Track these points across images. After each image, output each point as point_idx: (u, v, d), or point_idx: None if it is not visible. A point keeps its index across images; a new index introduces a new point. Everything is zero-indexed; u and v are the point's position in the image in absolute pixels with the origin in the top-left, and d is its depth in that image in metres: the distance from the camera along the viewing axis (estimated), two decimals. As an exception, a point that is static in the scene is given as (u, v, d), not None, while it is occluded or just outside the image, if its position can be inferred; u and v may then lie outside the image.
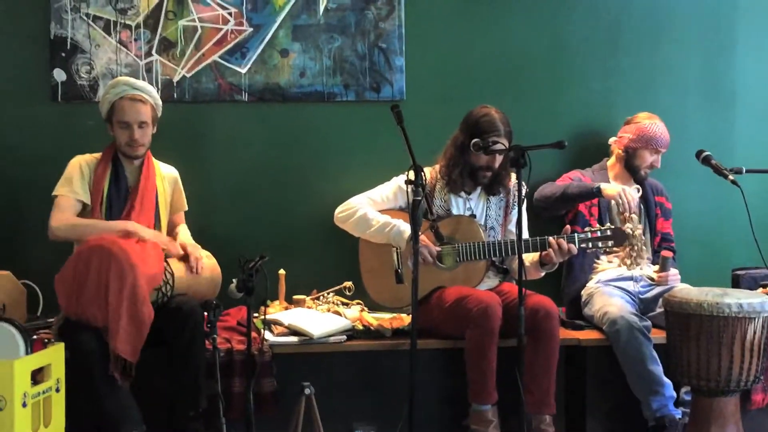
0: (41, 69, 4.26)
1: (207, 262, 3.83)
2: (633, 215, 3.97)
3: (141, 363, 3.42)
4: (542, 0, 4.53)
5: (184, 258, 3.77)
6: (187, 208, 4.05)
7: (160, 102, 3.87)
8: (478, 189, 4.08)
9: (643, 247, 3.91)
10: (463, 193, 4.06)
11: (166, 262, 3.66)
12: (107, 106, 3.77)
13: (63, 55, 4.26)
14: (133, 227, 3.64)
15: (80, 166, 3.77)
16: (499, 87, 4.47)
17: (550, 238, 3.77)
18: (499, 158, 3.94)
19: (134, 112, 3.74)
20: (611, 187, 4.10)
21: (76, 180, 3.74)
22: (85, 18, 4.26)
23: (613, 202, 4.13)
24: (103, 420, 3.38)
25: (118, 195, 3.76)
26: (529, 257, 3.91)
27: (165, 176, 3.94)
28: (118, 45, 4.29)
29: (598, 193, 4.11)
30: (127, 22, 4.29)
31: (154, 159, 3.90)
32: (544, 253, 3.84)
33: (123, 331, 3.36)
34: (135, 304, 3.38)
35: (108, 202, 3.74)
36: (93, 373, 3.36)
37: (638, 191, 4.24)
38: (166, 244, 3.75)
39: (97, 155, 3.82)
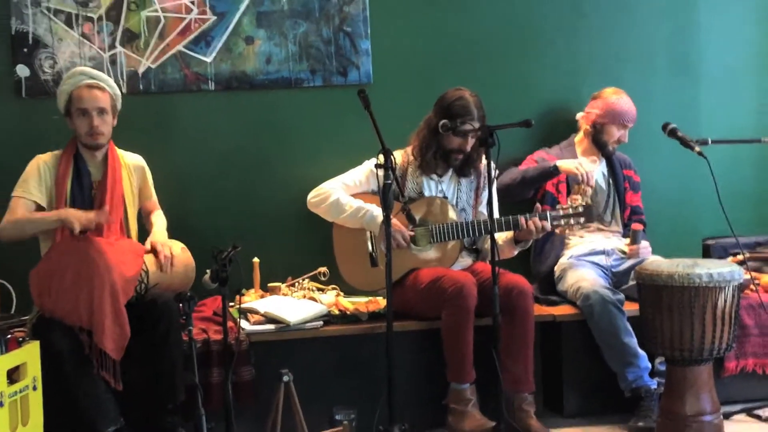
0: (3, 65, 4.20)
1: (180, 255, 3.79)
2: (588, 187, 4.01)
3: (117, 358, 3.41)
4: (507, -22, 4.53)
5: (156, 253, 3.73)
6: (155, 198, 3.99)
7: (118, 92, 3.79)
8: (450, 171, 4.09)
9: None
10: (434, 176, 4.07)
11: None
12: (65, 97, 3.71)
13: (25, 50, 4.20)
14: (66, 214, 3.54)
15: (38, 166, 3.70)
16: (465, 67, 4.47)
17: (521, 218, 3.80)
18: (471, 140, 3.94)
19: (92, 99, 3.68)
20: (567, 163, 4.14)
21: (32, 181, 3.67)
22: (46, 12, 4.21)
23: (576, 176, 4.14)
24: (80, 417, 3.36)
25: (81, 192, 3.69)
26: (503, 236, 3.93)
27: (130, 165, 3.87)
28: (81, 38, 4.24)
29: (555, 171, 4.15)
30: (89, 14, 4.24)
31: (117, 149, 3.83)
32: (518, 231, 3.87)
33: (108, 329, 3.35)
34: (117, 302, 3.38)
35: (72, 200, 3.68)
36: (67, 371, 3.34)
37: (595, 162, 4.27)
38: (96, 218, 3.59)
39: (58, 153, 3.75)
